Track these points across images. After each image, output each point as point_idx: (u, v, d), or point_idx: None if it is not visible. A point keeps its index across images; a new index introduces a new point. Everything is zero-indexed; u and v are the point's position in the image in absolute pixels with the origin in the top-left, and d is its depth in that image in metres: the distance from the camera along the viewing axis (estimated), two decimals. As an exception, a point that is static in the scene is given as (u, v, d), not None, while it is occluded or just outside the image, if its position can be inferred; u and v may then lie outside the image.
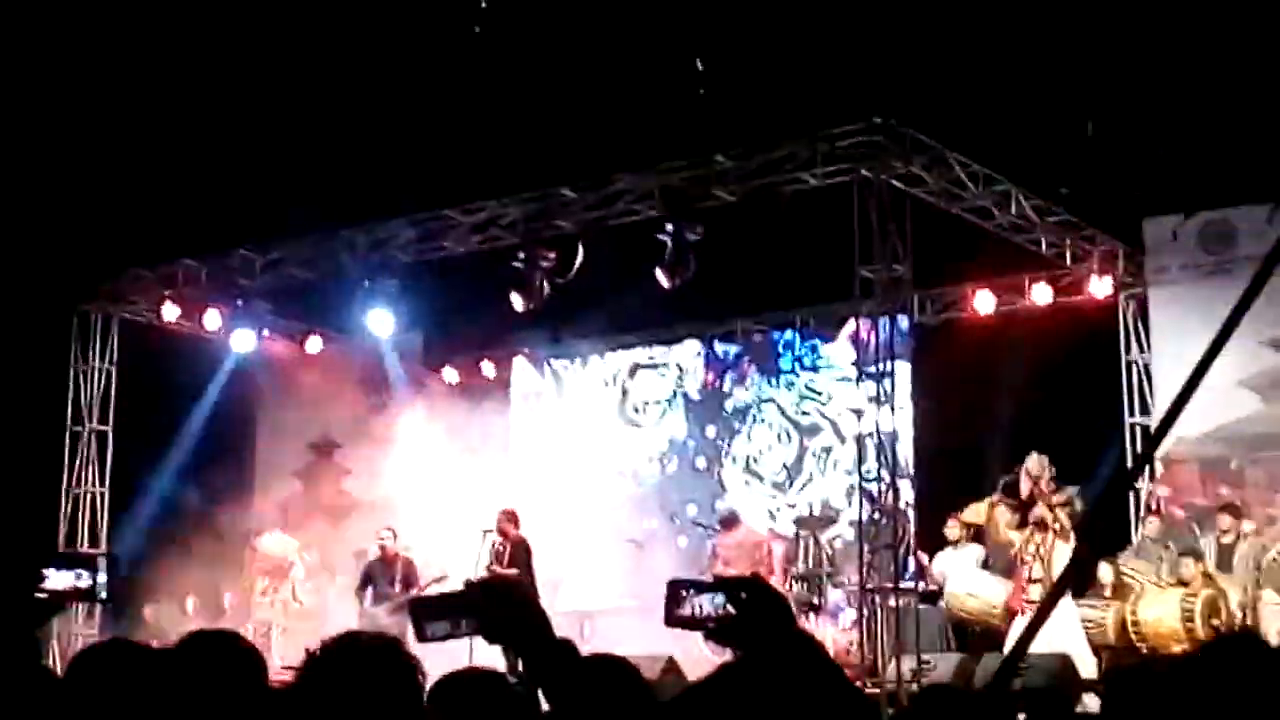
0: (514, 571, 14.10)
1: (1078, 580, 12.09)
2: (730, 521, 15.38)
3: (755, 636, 2.94)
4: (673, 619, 3.05)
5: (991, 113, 13.14)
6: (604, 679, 3.00)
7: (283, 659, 12.55)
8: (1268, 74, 11.65)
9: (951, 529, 13.83)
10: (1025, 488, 12.51)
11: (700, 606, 3.06)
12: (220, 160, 14.39)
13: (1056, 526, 11.96)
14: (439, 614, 2.97)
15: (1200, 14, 11.56)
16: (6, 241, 14.91)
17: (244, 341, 17.03)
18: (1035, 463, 12.36)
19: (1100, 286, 15.57)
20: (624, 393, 19.29)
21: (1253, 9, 11.18)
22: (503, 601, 2.89)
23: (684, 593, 3.06)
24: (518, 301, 15.25)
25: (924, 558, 14.13)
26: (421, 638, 3.03)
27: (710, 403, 18.71)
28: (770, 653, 2.88)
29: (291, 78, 13.73)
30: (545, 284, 15.08)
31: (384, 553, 15.22)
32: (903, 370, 13.97)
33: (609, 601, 16.34)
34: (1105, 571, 12.48)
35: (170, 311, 16.84)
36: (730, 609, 2.96)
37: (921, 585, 13.75)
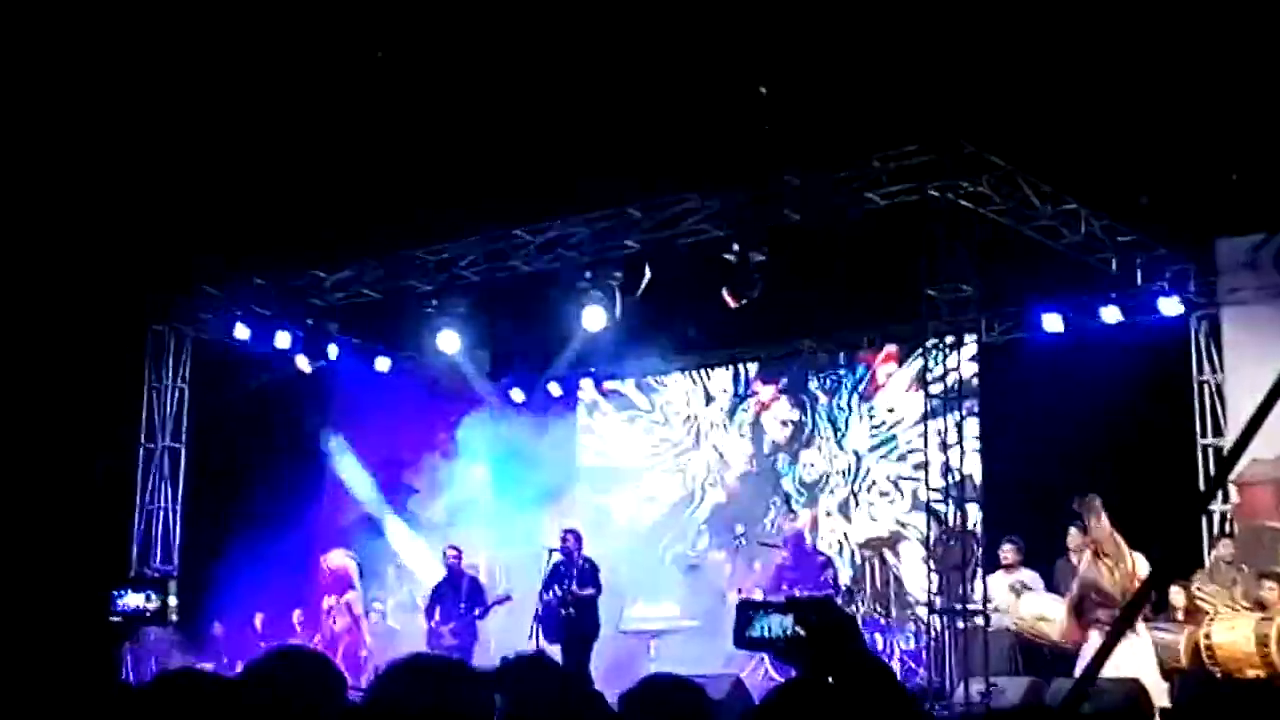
0: (589, 591, 14.19)
1: (1150, 604, 11.98)
2: (794, 542, 15.32)
3: (824, 658, 2.96)
4: (742, 640, 3.07)
5: (1060, 131, 13.06)
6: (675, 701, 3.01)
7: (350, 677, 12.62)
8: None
9: (1006, 552, 13.70)
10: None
11: (769, 628, 3.08)
12: (291, 182, 14.55)
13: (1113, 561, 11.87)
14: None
15: (1276, 33, 11.44)
16: (81, 261, 15.15)
17: (314, 361, 17.20)
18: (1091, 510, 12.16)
19: (1171, 306, 15.39)
20: (689, 413, 19.29)
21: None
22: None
23: (753, 614, 3.08)
24: (588, 320, 15.32)
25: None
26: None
27: (775, 423, 18.66)
28: (838, 674, 2.90)
29: (362, 101, 13.87)
30: (614, 303, 15.14)
31: (450, 572, 15.31)
32: (969, 391, 13.89)
33: (672, 622, 16.35)
34: (1177, 595, 12.34)
35: (241, 331, 17.04)
36: (799, 631, 2.98)
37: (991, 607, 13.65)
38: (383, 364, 18.77)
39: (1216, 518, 14.93)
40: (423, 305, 16.50)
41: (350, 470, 17.96)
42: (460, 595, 15.07)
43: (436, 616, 15.10)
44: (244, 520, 16.96)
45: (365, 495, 18.11)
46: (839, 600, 14.00)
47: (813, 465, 18.27)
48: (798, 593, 13.53)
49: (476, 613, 14.89)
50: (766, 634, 3.07)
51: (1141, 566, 11.70)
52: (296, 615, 16.62)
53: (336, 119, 14.05)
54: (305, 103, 13.90)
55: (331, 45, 13.38)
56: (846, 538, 17.50)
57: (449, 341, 16.54)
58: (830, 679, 2.89)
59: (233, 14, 12.87)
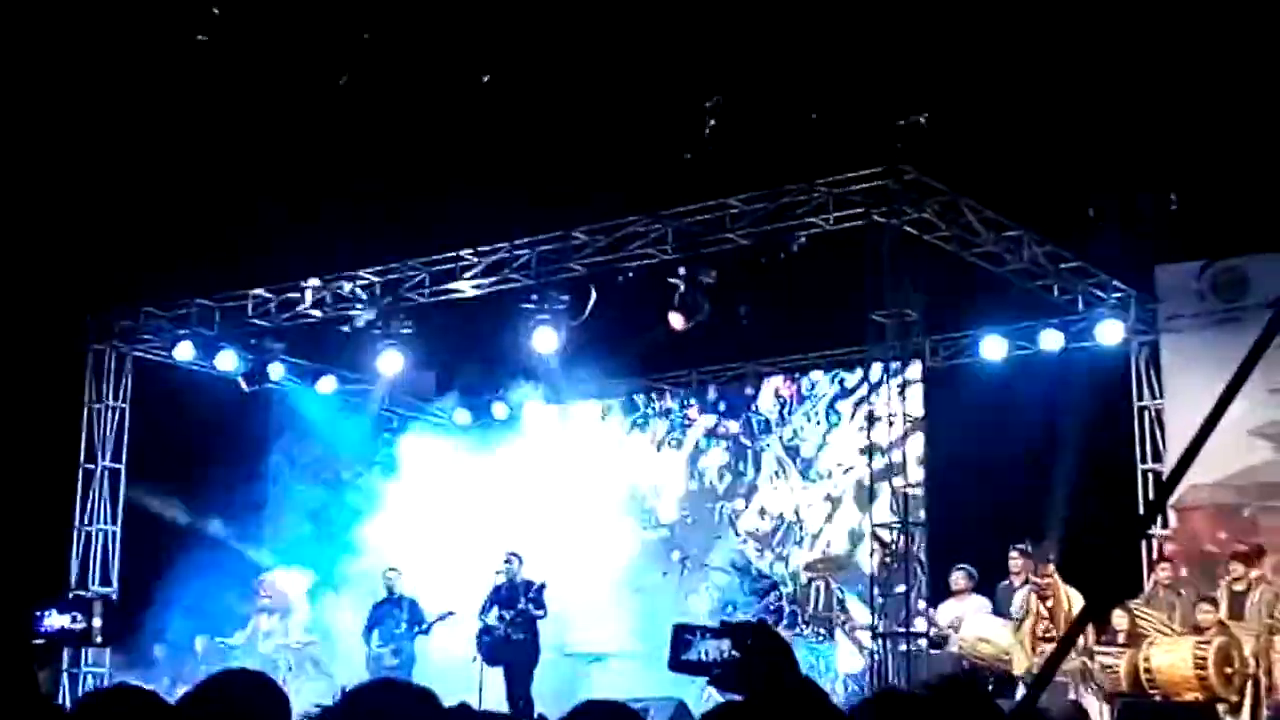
0: (539, 613, 14.15)
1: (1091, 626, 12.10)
2: (739, 566, 15.32)
3: (759, 682, 2.95)
4: (678, 664, 3.06)
5: (1003, 159, 13.18)
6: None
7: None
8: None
9: (957, 579, 13.79)
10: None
11: (706, 652, 3.07)
12: (235, 201, 14.46)
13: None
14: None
15: (1216, 63, 11.61)
16: (20, 279, 14.99)
17: (257, 381, 17.07)
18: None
19: (1112, 332, 15.54)
20: (634, 435, 19.27)
21: (1272, 60, 11.21)
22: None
23: (689, 637, 3.07)
24: (538, 342, 15.29)
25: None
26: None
27: (721, 447, 18.67)
28: (774, 698, 2.89)
29: (308, 118, 13.82)
30: (559, 326, 15.14)
31: (390, 593, 15.22)
32: (914, 415, 13.95)
33: (617, 645, 16.31)
34: (1120, 618, 12.44)
35: (184, 351, 16.90)
36: (735, 654, 2.97)
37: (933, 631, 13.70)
38: (327, 384, 18.65)
39: (1156, 542, 15.06)
40: (367, 326, 16.41)
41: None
42: (400, 616, 14.99)
43: (375, 638, 15.00)
44: (184, 542, 16.81)
45: None
46: (782, 624, 14.01)
47: (759, 489, 18.28)
48: (739, 616, 13.54)
49: (419, 628, 14.81)
50: (702, 658, 3.06)
51: (1076, 602, 11.88)
52: (238, 636, 16.48)
53: (283, 138, 13.98)
54: (253, 121, 13.83)
55: (281, 66, 13.33)
56: (786, 562, 17.49)
57: (392, 362, 16.46)
58: (766, 702, 2.88)
59: (180, 30, 12.81)
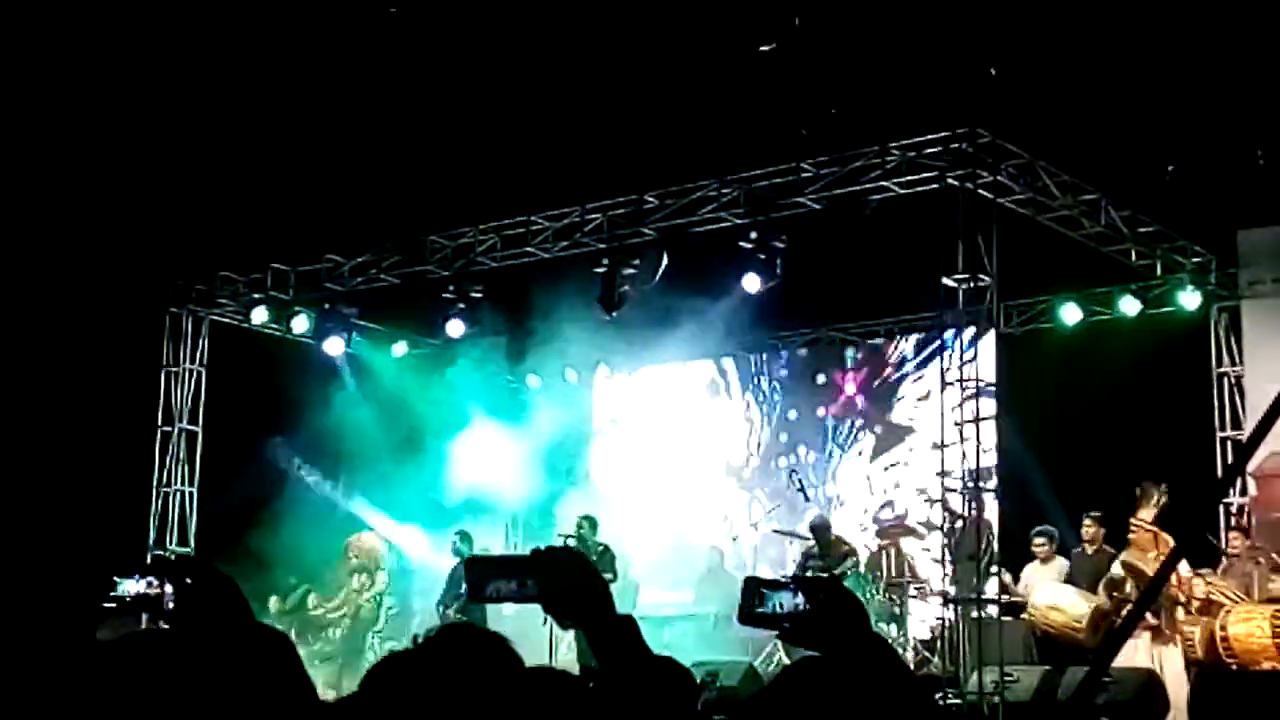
0: (609, 575, 14.19)
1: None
2: (819, 528, 15.23)
3: (830, 638, 2.93)
4: (747, 617, 3.03)
5: (1080, 121, 13.00)
6: (660, 676, 2.96)
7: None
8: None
9: (1039, 543, 13.67)
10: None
11: (778, 605, 3.05)
12: (310, 166, 14.57)
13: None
14: (499, 574, 2.91)
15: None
16: (101, 243, 15.19)
17: (333, 345, 17.22)
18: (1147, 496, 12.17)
19: (1190, 299, 15.31)
20: (706, 401, 19.27)
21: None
22: (567, 570, 2.85)
23: (761, 590, 3.04)
24: (607, 307, 15.31)
25: (1005, 575, 13.95)
26: (476, 597, 3.00)
27: (793, 411, 18.64)
28: (844, 654, 2.87)
29: (382, 87, 13.88)
30: (631, 290, 15.13)
31: (459, 557, 15.32)
32: (987, 381, 13.85)
33: (690, 607, 16.35)
34: (1198, 586, 12.28)
35: (259, 314, 17.07)
36: (807, 607, 2.95)
37: (1005, 598, 13.62)
38: (400, 349, 18.80)
39: (1235, 509, 14.86)
40: (440, 291, 16.50)
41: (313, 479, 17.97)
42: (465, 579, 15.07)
43: (446, 602, 15.13)
44: (262, 504, 16.99)
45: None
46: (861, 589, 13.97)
47: (833, 453, 18.24)
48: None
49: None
50: (776, 610, 3.04)
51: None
52: (312, 599, 16.67)
53: (357, 106, 14.07)
54: (329, 91, 13.92)
55: (352, 33, 13.39)
56: (865, 525, 17.48)
57: (464, 328, 16.55)
58: (836, 658, 2.86)
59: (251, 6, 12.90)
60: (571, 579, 2.80)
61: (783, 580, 3.07)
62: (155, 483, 16.90)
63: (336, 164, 14.52)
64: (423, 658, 2.58)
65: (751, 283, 14.37)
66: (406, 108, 14.07)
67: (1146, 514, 12.11)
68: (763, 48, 12.15)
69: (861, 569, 15.22)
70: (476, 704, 2.44)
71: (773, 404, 18.81)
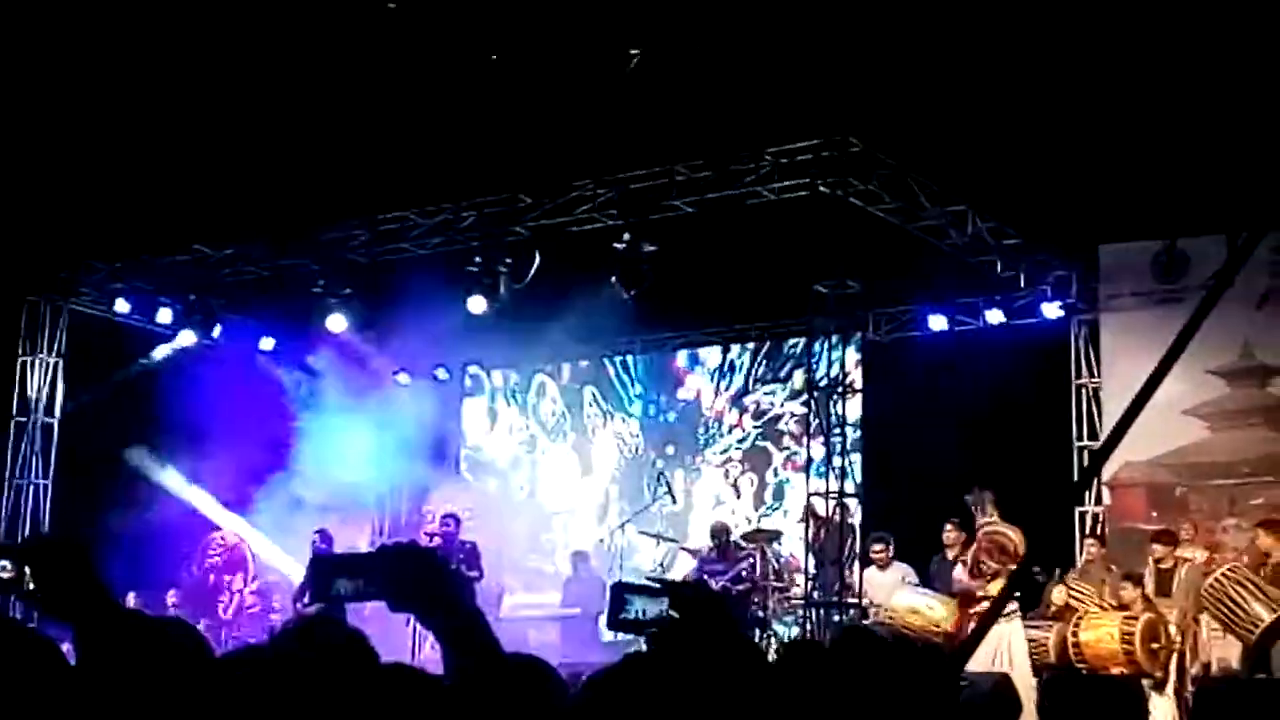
0: (474, 574, 14.09)
1: (1028, 601, 12.21)
2: (718, 533, 15.14)
3: (697, 642, 2.96)
4: (615, 622, 3.05)
5: (951, 134, 13.21)
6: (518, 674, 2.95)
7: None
8: (1227, 107, 11.78)
9: (876, 548, 13.81)
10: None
11: (644, 611, 3.06)
12: (177, 156, 14.28)
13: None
14: (344, 572, 2.85)
15: (1159, 44, 11.68)
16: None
17: (195, 338, 16.92)
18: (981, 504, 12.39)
19: (1052, 310, 15.67)
20: (577, 401, 19.27)
21: (1219, 44, 11.30)
22: (413, 566, 2.82)
23: (628, 596, 3.06)
24: (475, 305, 15.25)
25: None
26: (321, 596, 2.94)
27: (664, 414, 18.71)
28: (709, 656, 2.90)
29: (253, 77, 13.65)
30: (502, 289, 15.09)
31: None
32: (853, 387, 14.03)
33: (557, 609, 16.33)
34: (1057, 593, 12.55)
35: (122, 305, 16.71)
36: (672, 613, 2.97)
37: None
38: (267, 343, 18.51)
39: (1089, 518, 15.23)
40: (309, 285, 16.29)
41: (172, 481, 17.59)
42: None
43: (304, 599, 14.93)
44: (121, 499, 16.64)
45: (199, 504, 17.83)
46: (756, 594, 13.98)
47: (701, 457, 18.34)
48: (716, 584, 13.49)
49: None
50: (640, 617, 3.06)
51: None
52: (173, 595, 16.38)
53: (229, 96, 13.82)
54: (197, 79, 13.65)
55: (226, 21, 13.15)
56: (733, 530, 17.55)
57: (335, 323, 16.35)
58: (697, 659, 2.89)
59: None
60: (417, 575, 2.77)
61: (650, 586, 3.10)
62: (8, 475, 16.46)
63: (207, 153, 14.24)
64: (275, 653, 2.55)
65: (623, 284, 14.39)
66: (279, 98, 13.84)
67: (987, 519, 12.33)
68: (632, 51, 12.16)
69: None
70: (326, 699, 2.41)
71: (643, 406, 18.86)
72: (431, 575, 2.77)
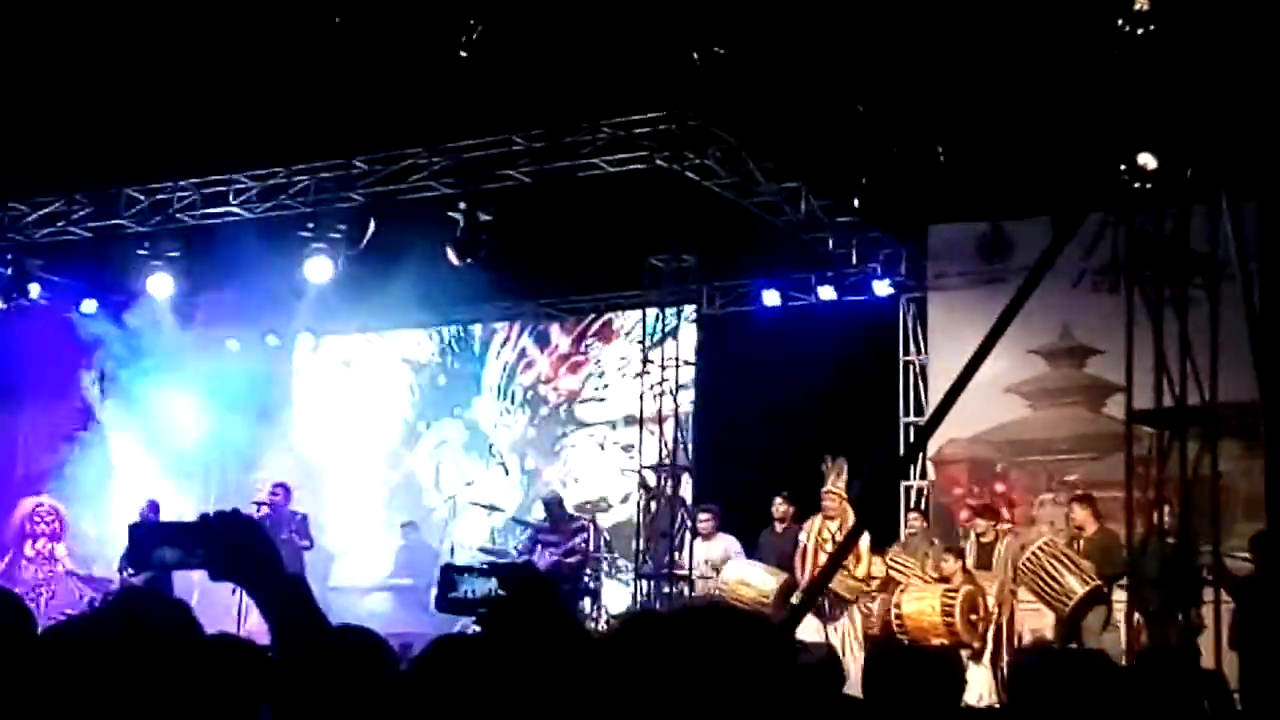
0: (306, 544, 13.89)
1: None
2: (552, 504, 15.09)
3: (524, 622, 2.95)
4: (445, 603, 3.04)
5: (787, 113, 13.33)
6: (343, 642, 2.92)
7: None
8: (1051, 97, 12.07)
9: (703, 520, 13.96)
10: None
11: (473, 591, 3.05)
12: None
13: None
14: (165, 540, 2.81)
15: (993, 37, 11.90)
16: None
17: (13, 299, 16.36)
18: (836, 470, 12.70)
19: (882, 288, 15.97)
20: (409, 371, 19.10)
21: (1042, 35, 11.55)
22: (233, 534, 2.78)
23: (456, 577, 3.05)
24: (310, 272, 15.03)
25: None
26: (140, 565, 2.92)
27: (494, 385, 18.64)
28: (534, 635, 2.89)
29: (77, 26, 13.19)
30: (335, 256, 14.88)
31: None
32: (686, 360, 14.14)
33: (387, 579, 16.22)
34: (878, 565, 12.81)
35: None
36: (501, 593, 2.96)
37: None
38: (89, 306, 17.95)
39: (914, 493, 15.57)
40: (134, 246, 15.86)
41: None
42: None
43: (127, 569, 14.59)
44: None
45: None
46: (589, 565, 13.99)
47: (531, 428, 18.32)
48: (549, 555, 13.42)
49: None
50: (469, 596, 3.04)
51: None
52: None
53: (51, 42, 13.34)
54: (16, 18, 13.15)
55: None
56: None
57: (160, 285, 15.94)
58: (521, 639, 2.88)
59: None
60: (240, 544, 2.73)
61: (478, 566, 3.08)
62: None
63: (26, 105, 13.73)
64: (95, 623, 2.49)
65: (457, 254, 14.27)
66: (105, 50, 13.40)
67: (837, 485, 12.63)
68: (473, 23, 12.05)
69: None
70: (148, 671, 2.36)
71: (477, 375, 18.77)
72: (254, 544, 2.73)
